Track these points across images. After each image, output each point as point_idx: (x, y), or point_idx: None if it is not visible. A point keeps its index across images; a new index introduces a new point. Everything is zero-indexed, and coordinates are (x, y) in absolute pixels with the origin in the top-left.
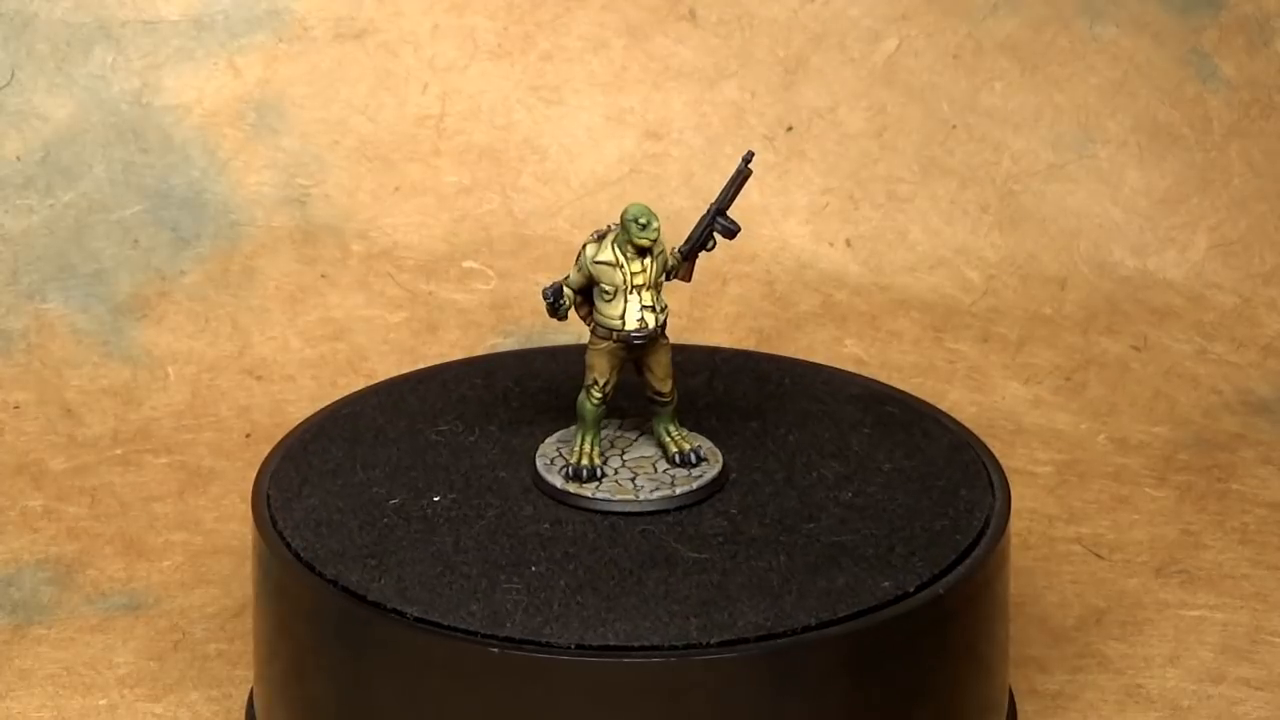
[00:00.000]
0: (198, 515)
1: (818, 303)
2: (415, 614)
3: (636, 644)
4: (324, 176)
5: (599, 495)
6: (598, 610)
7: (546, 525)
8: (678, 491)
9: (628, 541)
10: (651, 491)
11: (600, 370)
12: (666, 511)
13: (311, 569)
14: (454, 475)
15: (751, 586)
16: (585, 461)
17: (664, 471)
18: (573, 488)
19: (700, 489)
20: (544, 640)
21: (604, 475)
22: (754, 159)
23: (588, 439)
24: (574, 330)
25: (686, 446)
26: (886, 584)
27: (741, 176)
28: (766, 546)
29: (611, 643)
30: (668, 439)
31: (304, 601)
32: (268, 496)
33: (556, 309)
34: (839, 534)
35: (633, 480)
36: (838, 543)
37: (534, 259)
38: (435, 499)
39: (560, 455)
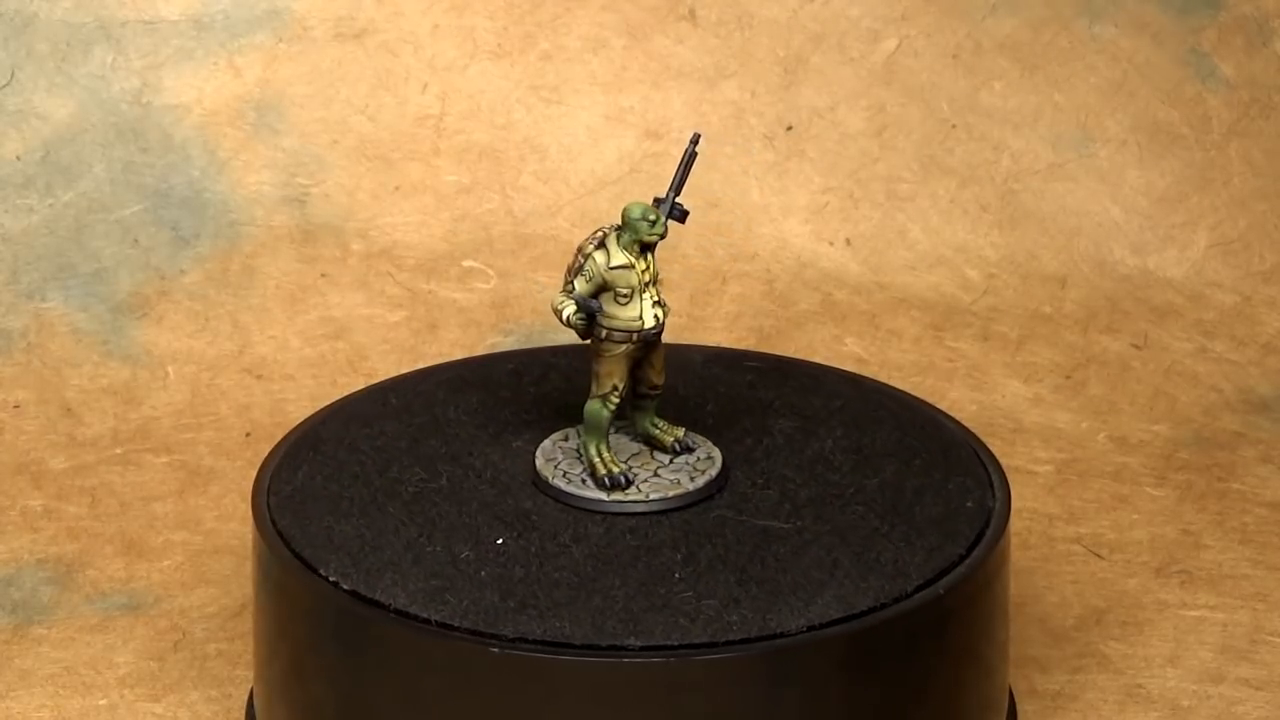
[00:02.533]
0: (198, 515)
1: (817, 302)
2: (657, 642)
3: (867, 607)
4: (324, 176)
5: (653, 496)
6: (793, 591)
7: (628, 536)
8: (714, 474)
9: (718, 531)
10: (691, 481)
11: (619, 375)
12: (711, 496)
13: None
14: (476, 511)
15: (875, 536)
16: (615, 469)
17: (675, 461)
18: (618, 496)
19: (723, 469)
20: (775, 631)
21: (634, 479)
22: (700, 140)
23: (602, 446)
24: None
25: (681, 434)
26: (969, 504)
27: (691, 159)
28: (837, 502)
29: (855, 610)
30: (657, 431)
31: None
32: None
33: (590, 326)
34: (878, 473)
35: (657, 475)
36: (887, 480)
37: (534, 258)
38: (499, 540)
39: (567, 471)
